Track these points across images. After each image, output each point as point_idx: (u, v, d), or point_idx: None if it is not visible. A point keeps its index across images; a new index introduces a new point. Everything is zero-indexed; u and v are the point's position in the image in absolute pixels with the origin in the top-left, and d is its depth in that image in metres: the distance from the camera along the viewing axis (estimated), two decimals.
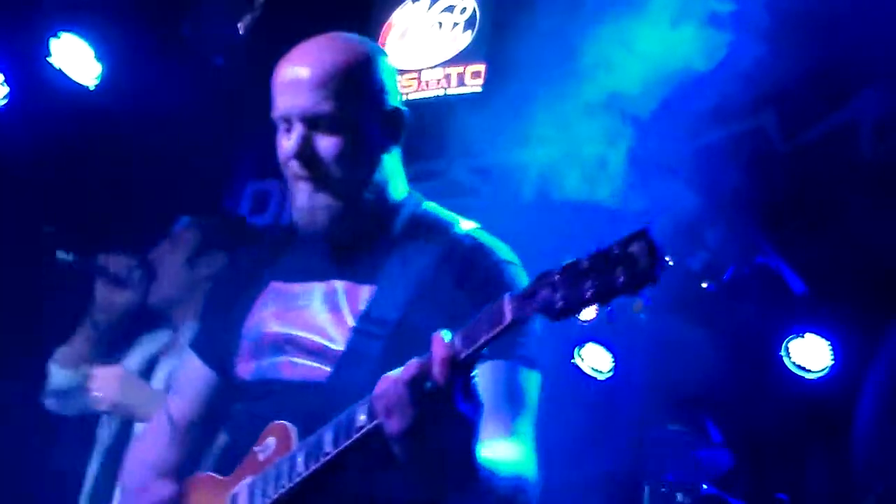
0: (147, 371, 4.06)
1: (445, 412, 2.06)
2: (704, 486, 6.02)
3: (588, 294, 1.85)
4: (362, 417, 2.21)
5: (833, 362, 6.22)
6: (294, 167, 2.66)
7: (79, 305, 4.15)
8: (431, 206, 2.87)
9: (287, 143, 2.67)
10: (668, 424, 6.40)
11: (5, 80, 5.87)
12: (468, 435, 2.12)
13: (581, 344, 7.50)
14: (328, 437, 2.31)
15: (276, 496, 2.44)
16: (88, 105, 6.06)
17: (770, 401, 6.58)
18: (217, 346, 2.90)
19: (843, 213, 5.96)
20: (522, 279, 2.64)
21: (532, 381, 2.59)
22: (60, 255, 4.02)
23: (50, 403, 4.16)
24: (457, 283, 2.60)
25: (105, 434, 4.02)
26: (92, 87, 5.98)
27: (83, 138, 6.18)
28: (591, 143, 5.58)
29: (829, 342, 6.26)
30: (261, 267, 2.90)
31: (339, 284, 2.69)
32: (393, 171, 2.79)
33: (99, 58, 5.95)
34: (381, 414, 2.11)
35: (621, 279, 1.81)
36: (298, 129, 2.64)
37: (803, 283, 6.52)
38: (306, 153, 2.64)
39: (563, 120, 5.41)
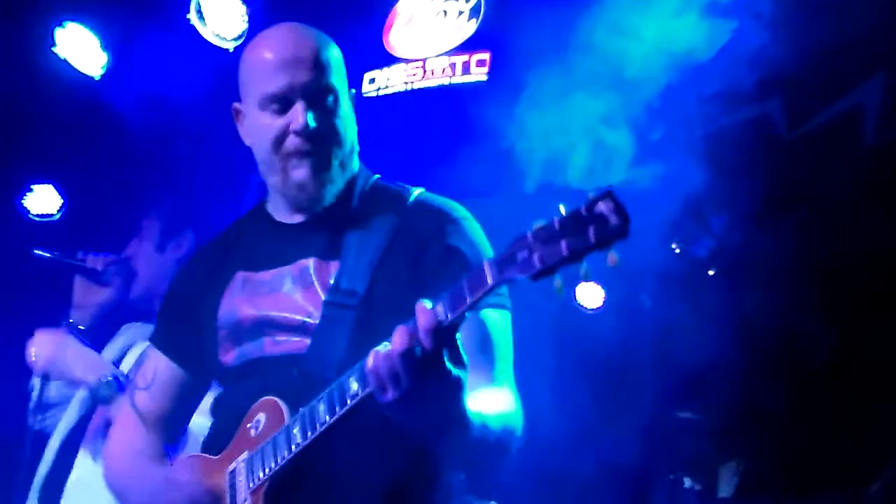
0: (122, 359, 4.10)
1: (436, 376, 2.16)
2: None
3: (565, 252, 1.94)
4: (355, 386, 2.29)
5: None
6: (297, 143, 2.73)
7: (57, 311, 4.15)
8: (379, 178, 2.97)
9: (280, 120, 2.74)
10: (676, 411, 6.41)
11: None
12: (457, 393, 2.22)
13: (588, 330, 7.52)
14: (322, 407, 2.38)
15: (277, 467, 2.50)
16: (94, 95, 6.05)
17: (777, 385, 6.60)
18: (182, 340, 2.98)
19: (847, 200, 5.97)
20: (478, 232, 2.79)
21: (502, 323, 2.70)
22: (39, 251, 4.05)
23: (35, 420, 4.16)
24: (418, 245, 2.72)
25: (56, 438, 4.04)
26: (97, 77, 5.97)
27: (89, 129, 6.18)
28: (596, 131, 5.58)
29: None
30: (223, 259, 2.96)
31: (307, 263, 2.77)
32: (355, 153, 2.91)
33: (104, 47, 5.94)
34: (376, 386, 2.19)
35: (594, 237, 1.91)
36: (302, 105, 2.73)
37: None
38: (314, 128, 2.72)
39: (568, 108, 5.41)
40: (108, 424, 3.74)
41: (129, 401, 3.06)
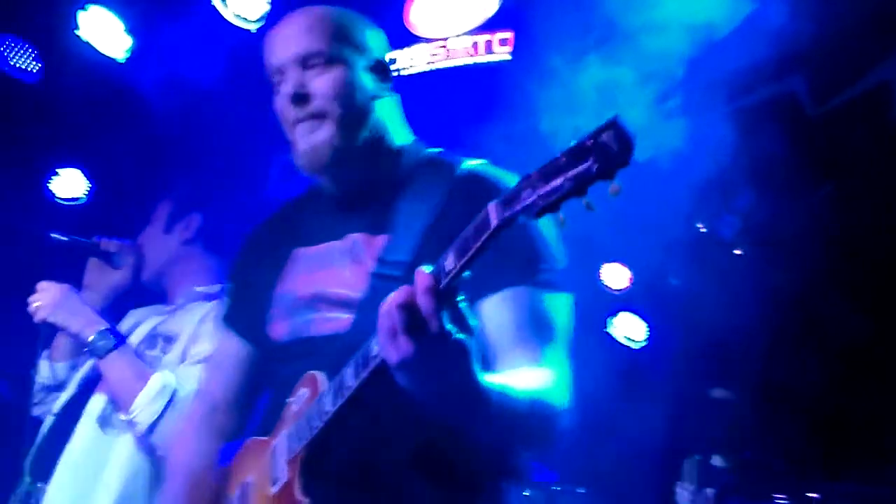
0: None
1: (436, 340, 2.11)
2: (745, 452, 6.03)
3: (567, 186, 1.91)
4: (376, 349, 2.26)
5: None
6: (292, 111, 2.73)
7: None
8: (435, 150, 2.94)
9: (281, 94, 2.75)
10: (704, 390, 6.38)
11: (36, 57, 5.90)
12: (462, 359, 2.17)
13: (614, 313, 7.51)
14: (349, 372, 2.37)
15: (309, 438, 2.50)
16: (119, 78, 6.05)
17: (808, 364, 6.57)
18: (251, 319, 2.97)
19: (874, 177, 5.92)
20: None
21: (559, 305, 2.63)
22: (55, 235, 4.09)
23: (39, 403, 4.18)
24: (465, 215, 2.63)
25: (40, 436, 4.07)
26: (122, 60, 5.97)
27: (113, 112, 6.19)
28: (620, 108, 5.55)
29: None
30: (281, 239, 2.97)
31: (356, 237, 2.76)
32: (391, 118, 2.89)
33: (129, 30, 5.94)
34: (380, 344, 2.16)
35: (595, 166, 1.87)
36: (291, 73, 2.74)
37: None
38: (302, 92, 2.72)
39: (591, 85, 5.38)
40: (114, 396, 3.77)
41: (202, 391, 3.09)
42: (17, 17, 5.84)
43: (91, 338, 3.75)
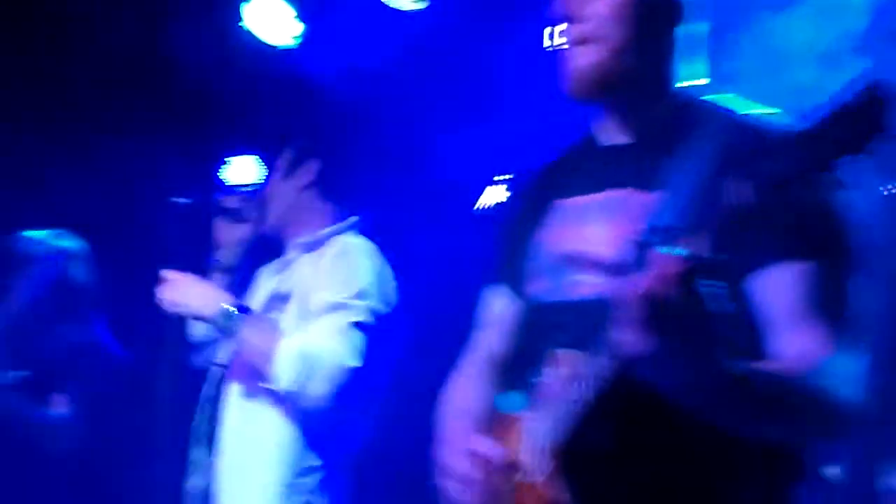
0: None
1: (678, 333, 1.98)
2: None
3: (827, 157, 1.78)
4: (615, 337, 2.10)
5: None
6: (564, 35, 2.58)
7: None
8: (714, 98, 2.76)
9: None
10: None
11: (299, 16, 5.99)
12: (707, 352, 2.04)
13: None
14: (602, 359, 2.20)
15: (562, 425, 2.34)
16: (289, 64, 6.10)
17: None
18: (517, 275, 2.81)
19: None
20: None
21: (844, 280, 2.36)
22: (176, 199, 4.12)
23: (197, 359, 4.29)
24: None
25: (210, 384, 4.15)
26: (290, 47, 6.01)
27: (284, 99, 6.25)
28: (803, 71, 5.32)
29: None
30: (546, 189, 2.81)
31: (620, 193, 2.55)
32: (668, 62, 2.66)
33: (300, 17, 5.97)
34: (617, 336, 2.03)
35: (846, 137, 1.75)
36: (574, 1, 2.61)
37: None
38: (576, 14, 2.56)
39: (769, 49, 5.18)
40: (252, 368, 3.77)
41: (480, 347, 2.98)
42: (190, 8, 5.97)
43: (216, 320, 3.75)
